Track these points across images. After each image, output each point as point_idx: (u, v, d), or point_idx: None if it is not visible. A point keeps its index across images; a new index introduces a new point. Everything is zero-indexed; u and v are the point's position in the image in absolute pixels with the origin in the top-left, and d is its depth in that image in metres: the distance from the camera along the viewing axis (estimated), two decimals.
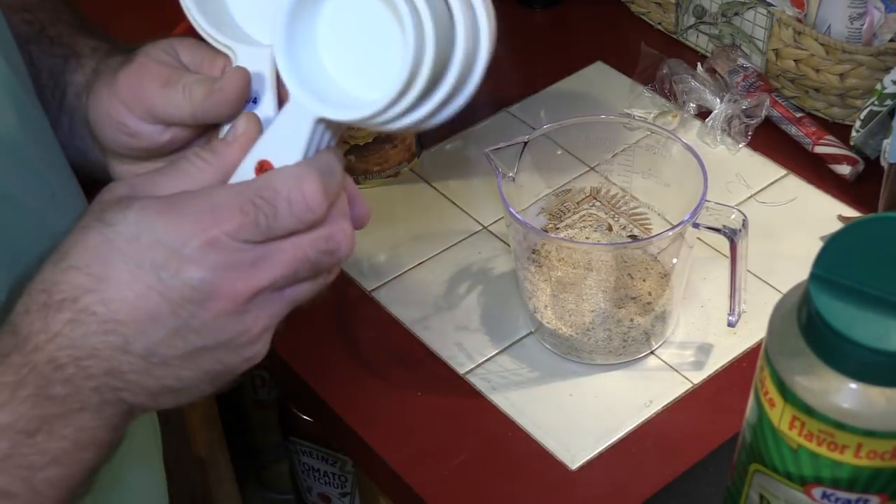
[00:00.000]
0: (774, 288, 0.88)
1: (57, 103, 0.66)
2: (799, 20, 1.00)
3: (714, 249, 0.91)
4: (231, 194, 0.52)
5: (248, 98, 0.59)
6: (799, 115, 1.01)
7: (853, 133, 0.95)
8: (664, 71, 1.05)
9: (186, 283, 0.51)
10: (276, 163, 0.54)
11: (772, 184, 0.98)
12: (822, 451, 0.58)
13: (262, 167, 0.54)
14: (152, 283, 0.51)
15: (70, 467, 0.51)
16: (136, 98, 0.61)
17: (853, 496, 0.59)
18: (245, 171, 0.55)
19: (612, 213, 0.89)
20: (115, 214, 0.51)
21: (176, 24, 0.96)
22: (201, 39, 0.62)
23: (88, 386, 0.51)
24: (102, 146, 0.64)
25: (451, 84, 0.53)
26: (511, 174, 0.82)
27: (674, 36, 1.14)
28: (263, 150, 0.55)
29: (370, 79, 0.54)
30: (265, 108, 0.59)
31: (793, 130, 1.01)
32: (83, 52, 0.67)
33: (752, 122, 1.01)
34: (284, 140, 0.54)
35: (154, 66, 0.61)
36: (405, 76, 0.50)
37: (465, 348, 0.87)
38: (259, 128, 0.56)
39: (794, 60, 1.02)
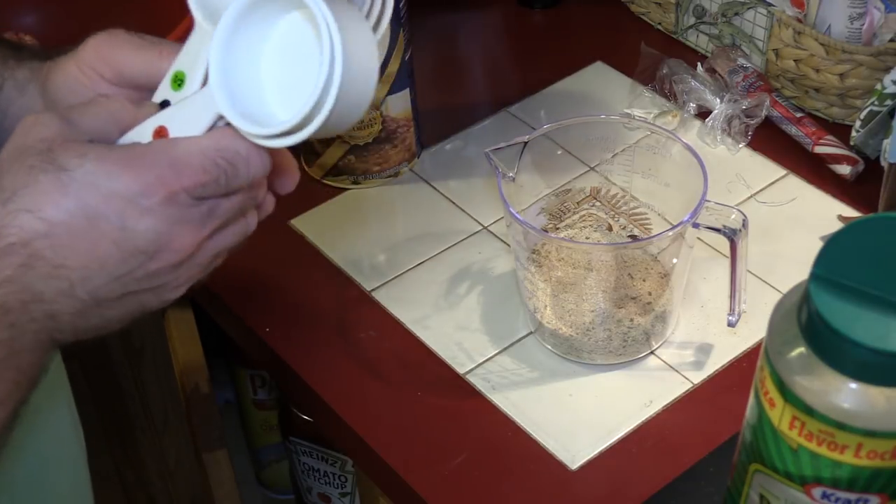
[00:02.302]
0: (774, 288, 0.88)
1: None
2: (799, 20, 1.00)
3: (714, 249, 0.91)
4: (194, 152, 0.54)
5: None
6: (799, 115, 1.01)
7: (853, 133, 0.95)
8: (664, 71, 1.05)
9: (142, 235, 0.53)
10: (173, 133, 0.56)
11: (772, 184, 0.98)
12: (822, 451, 0.58)
13: (160, 132, 0.56)
14: (107, 231, 0.52)
15: (9, 407, 0.52)
16: (107, 62, 0.62)
17: (853, 496, 0.59)
18: (144, 130, 0.56)
19: (612, 213, 0.89)
20: (70, 159, 0.52)
21: (176, 25, 0.96)
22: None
23: (31, 329, 0.52)
24: None
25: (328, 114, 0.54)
26: (511, 174, 0.82)
27: (674, 36, 1.14)
28: (167, 117, 0.56)
29: (285, 100, 0.56)
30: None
31: (793, 130, 1.01)
32: (23, 55, 0.68)
33: (752, 122, 1.01)
34: (189, 117, 0.56)
35: (124, 34, 0.62)
36: (308, 108, 0.52)
37: (465, 348, 0.87)
38: None
39: (794, 60, 1.02)
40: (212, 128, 0.56)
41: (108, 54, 0.62)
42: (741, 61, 1.04)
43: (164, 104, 0.58)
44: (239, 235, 0.59)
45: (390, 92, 0.96)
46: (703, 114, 1.03)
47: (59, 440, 0.71)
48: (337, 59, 0.52)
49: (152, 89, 0.61)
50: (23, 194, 0.51)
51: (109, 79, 0.62)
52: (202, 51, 0.58)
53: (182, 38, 0.69)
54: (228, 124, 0.56)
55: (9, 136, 0.64)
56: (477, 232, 0.96)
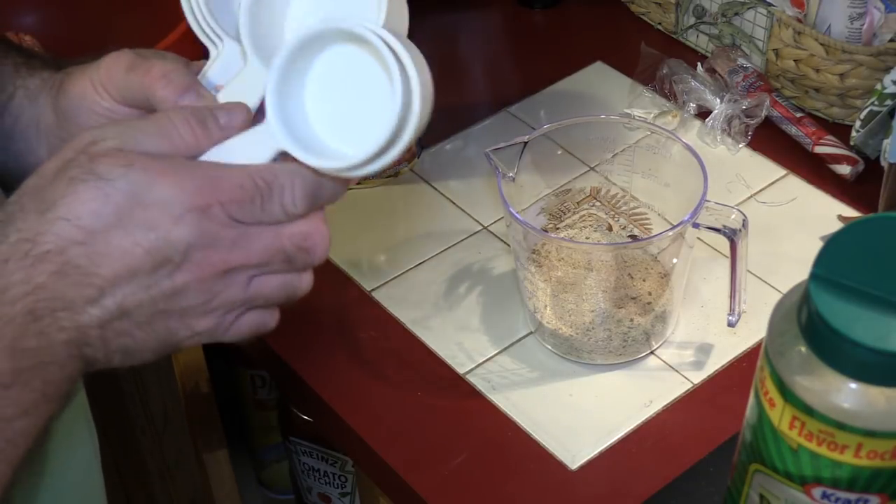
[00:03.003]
0: (774, 288, 0.88)
1: (1, 105, 0.67)
2: (799, 20, 1.00)
3: (714, 249, 0.91)
4: (233, 169, 0.54)
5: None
6: (799, 115, 1.01)
7: (853, 133, 0.95)
8: (664, 71, 1.05)
9: (172, 244, 0.52)
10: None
11: (772, 184, 0.98)
12: (822, 451, 0.58)
13: None
14: (140, 239, 0.52)
15: (38, 418, 0.51)
16: (109, 81, 0.62)
17: (853, 496, 0.59)
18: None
19: (612, 213, 0.89)
20: (113, 169, 0.52)
21: (176, 25, 0.96)
22: (195, 51, 0.63)
23: (60, 339, 0.51)
24: (68, 138, 0.64)
25: (406, 143, 0.54)
26: (511, 174, 0.82)
27: (674, 36, 1.14)
28: (226, 151, 0.56)
29: (347, 134, 0.56)
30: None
31: (793, 130, 1.01)
32: (35, 64, 0.68)
33: (752, 122, 1.01)
34: (247, 152, 0.55)
35: (127, 54, 0.62)
36: (384, 139, 0.52)
37: (465, 348, 0.87)
38: (246, 124, 0.57)
39: (794, 60, 1.02)
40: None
41: (113, 75, 0.62)
42: (741, 61, 1.04)
43: None
44: (283, 289, 0.57)
45: None
46: (703, 114, 1.03)
47: (74, 446, 0.71)
48: (415, 91, 0.52)
49: (144, 108, 0.61)
50: (61, 204, 0.51)
51: (113, 97, 0.62)
52: (251, 85, 0.57)
53: (181, 38, 0.69)
54: (286, 158, 0.55)
55: (19, 142, 0.66)
56: (477, 232, 0.96)
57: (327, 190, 0.56)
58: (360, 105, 0.55)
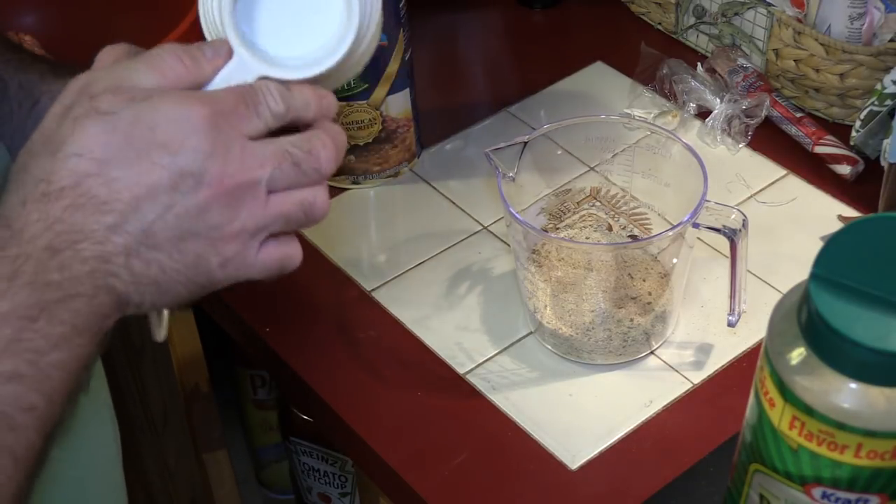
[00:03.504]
0: (774, 288, 0.88)
1: (25, 111, 0.69)
2: (799, 20, 1.00)
3: (714, 249, 0.91)
4: (220, 90, 0.56)
5: None
6: (799, 115, 1.01)
7: (853, 133, 0.95)
8: (664, 71, 1.06)
9: (188, 157, 0.53)
10: None
11: (772, 184, 0.98)
12: (822, 451, 0.58)
13: None
14: (155, 158, 0.53)
15: (69, 352, 0.52)
16: None
17: (853, 496, 0.59)
18: None
19: (612, 213, 0.89)
20: (115, 104, 0.53)
21: (176, 25, 0.96)
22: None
23: (83, 270, 0.52)
24: None
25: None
26: (511, 174, 0.82)
27: (674, 36, 1.14)
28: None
29: (307, 48, 0.60)
30: None
31: (793, 130, 1.01)
32: (61, 72, 0.70)
33: (752, 122, 1.01)
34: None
35: (123, 45, 0.62)
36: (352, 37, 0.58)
37: (465, 348, 0.87)
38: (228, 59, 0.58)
39: (794, 60, 1.02)
40: None
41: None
42: (741, 61, 1.04)
43: None
44: (303, 206, 0.58)
45: (390, 92, 0.96)
46: (703, 114, 1.03)
47: (95, 427, 0.71)
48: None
49: None
50: (70, 142, 0.52)
51: None
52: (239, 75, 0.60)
53: (181, 39, 0.70)
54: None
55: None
56: (477, 232, 0.96)
57: (297, 98, 0.58)
58: (307, 18, 0.59)
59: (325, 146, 0.58)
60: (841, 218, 0.94)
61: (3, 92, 0.70)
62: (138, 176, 0.53)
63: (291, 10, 0.60)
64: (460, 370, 0.85)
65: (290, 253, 0.59)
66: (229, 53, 0.58)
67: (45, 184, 0.52)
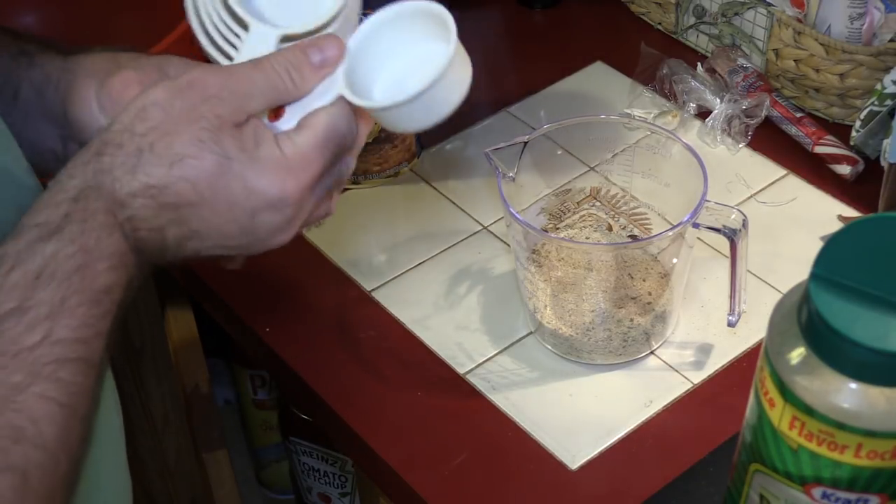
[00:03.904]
0: (774, 288, 0.88)
1: (8, 99, 0.70)
2: (799, 20, 1.00)
3: (714, 249, 0.91)
4: (311, 146, 0.62)
5: None
6: (799, 115, 1.01)
7: (853, 133, 0.95)
8: (664, 71, 1.05)
9: (263, 227, 0.62)
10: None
11: (772, 184, 0.98)
12: (822, 451, 0.58)
13: (277, 113, 0.64)
14: (238, 217, 0.61)
15: (122, 313, 0.60)
16: (113, 107, 0.66)
17: (853, 496, 0.59)
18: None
19: (612, 213, 0.89)
20: (233, 149, 0.60)
21: (175, 25, 0.96)
22: (194, 52, 0.67)
23: (146, 262, 0.61)
24: (78, 140, 0.69)
25: None
26: (511, 174, 0.82)
27: (674, 36, 1.14)
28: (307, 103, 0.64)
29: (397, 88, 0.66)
30: None
31: (793, 130, 1.01)
32: (31, 50, 0.71)
33: (752, 122, 1.01)
34: (321, 99, 0.64)
35: (132, 76, 0.67)
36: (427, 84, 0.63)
37: (465, 348, 0.87)
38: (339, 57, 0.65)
39: (794, 60, 1.02)
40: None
41: (120, 100, 0.66)
42: (741, 61, 1.04)
43: None
44: (325, 212, 0.67)
45: None
46: (703, 114, 1.03)
47: (101, 421, 0.72)
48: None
49: None
50: (189, 163, 0.59)
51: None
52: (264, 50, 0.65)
53: (181, 38, 0.70)
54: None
55: (31, 132, 0.70)
56: (477, 232, 0.96)
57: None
58: (415, 69, 0.65)
59: (349, 167, 0.67)
60: (841, 218, 0.94)
61: None
62: (220, 224, 0.61)
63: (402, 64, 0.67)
64: (460, 370, 0.85)
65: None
66: (337, 56, 0.64)
67: (158, 191, 0.59)
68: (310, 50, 0.63)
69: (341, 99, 0.64)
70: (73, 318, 0.55)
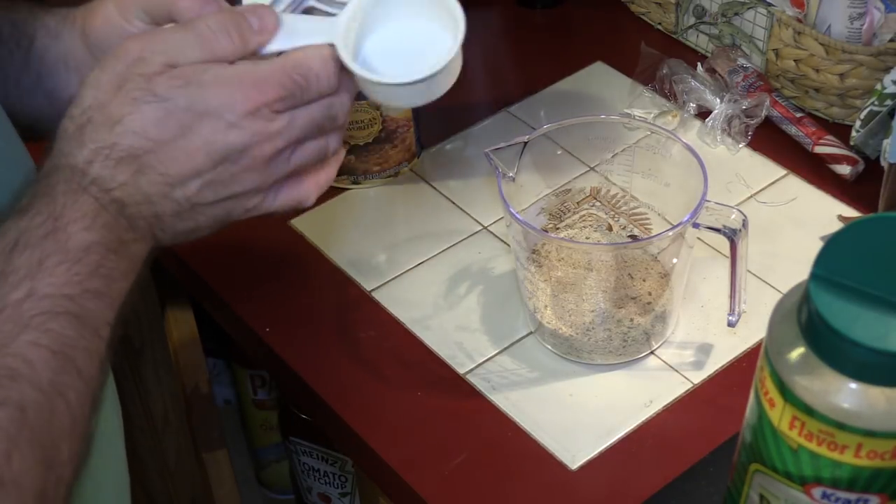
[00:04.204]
0: (774, 288, 0.88)
1: (23, 52, 0.73)
2: (799, 20, 1.00)
3: (714, 249, 0.91)
4: (273, 70, 0.62)
5: None
6: (799, 115, 1.01)
7: (853, 133, 0.95)
8: (664, 71, 1.05)
9: (228, 146, 0.62)
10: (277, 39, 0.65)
11: (772, 184, 0.98)
12: (822, 451, 0.58)
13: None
14: (200, 145, 0.61)
15: (126, 284, 0.62)
16: (133, 3, 0.69)
17: (853, 496, 0.59)
18: None
19: (612, 213, 0.89)
20: (171, 89, 0.61)
21: None
22: None
23: (141, 226, 0.63)
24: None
25: None
26: (511, 174, 0.82)
27: (674, 36, 1.14)
28: (292, 33, 0.65)
29: (393, 64, 0.66)
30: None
31: (793, 130, 1.01)
32: (50, 1, 0.74)
33: (752, 122, 1.01)
34: (311, 38, 0.65)
35: None
36: (430, 72, 0.65)
37: (465, 348, 0.87)
38: (276, 26, 0.65)
39: (794, 60, 1.02)
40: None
41: None
42: (741, 61, 1.04)
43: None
44: (317, 151, 0.66)
45: None
46: (703, 114, 1.03)
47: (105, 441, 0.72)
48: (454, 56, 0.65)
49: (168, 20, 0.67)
50: (129, 120, 0.60)
51: (143, 21, 0.68)
52: None
53: None
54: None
55: (48, 82, 0.73)
56: (477, 232, 0.96)
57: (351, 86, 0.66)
58: (412, 47, 0.67)
59: (343, 106, 0.66)
60: (841, 218, 0.94)
61: None
62: (186, 157, 0.61)
63: (404, 40, 0.68)
64: (460, 370, 0.85)
65: (303, 196, 0.67)
66: (275, 23, 0.64)
67: (108, 150, 0.60)
68: (248, 15, 0.64)
69: (330, 47, 0.64)
70: (53, 276, 0.58)
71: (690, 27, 1.12)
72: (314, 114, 0.64)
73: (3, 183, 0.63)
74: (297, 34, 0.65)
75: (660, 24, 1.15)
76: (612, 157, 0.88)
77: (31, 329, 0.56)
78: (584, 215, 0.90)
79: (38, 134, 0.69)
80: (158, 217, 0.63)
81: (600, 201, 0.90)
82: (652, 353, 0.85)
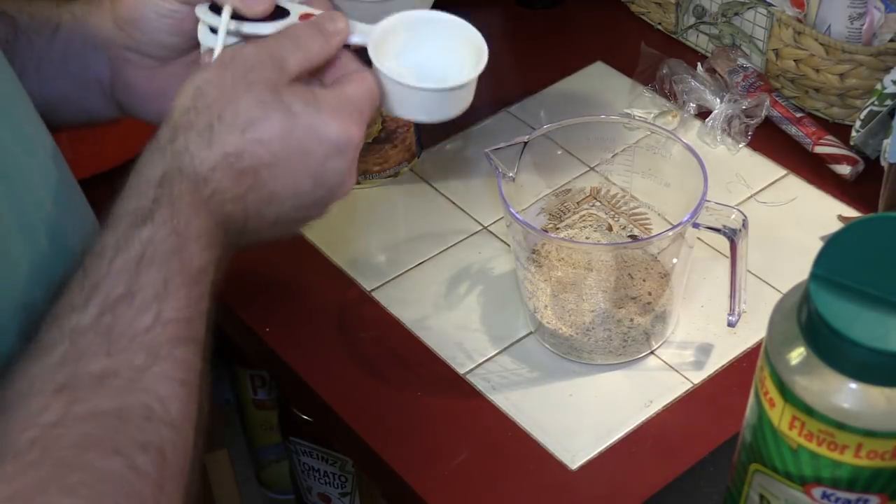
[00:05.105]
0: (774, 288, 0.88)
1: (44, 41, 0.73)
2: (799, 20, 1.00)
3: (714, 249, 0.91)
4: (361, 97, 0.66)
5: None
6: (799, 115, 1.01)
7: (853, 133, 0.95)
8: (664, 71, 1.06)
9: (335, 174, 0.65)
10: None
11: (772, 184, 0.98)
12: (822, 451, 0.58)
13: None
14: (311, 168, 0.63)
15: (218, 275, 0.63)
16: None
17: (853, 496, 0.59)
18: None
19: (612, 213, 0.89)
20: (296, 104, 0.63)
21: None
22: None
23: (234, 242, 0.63)
24: (133, 45, 0.73)
25: None
26: (511, 174, 0.82)
27: (674, 36, 1.14)
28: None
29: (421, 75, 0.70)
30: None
31: (793, 130, 1.01)
32: None
33: (752, 122, 1.01)
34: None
35: None
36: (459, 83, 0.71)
37: (465, 348, 0.87)
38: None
39: (794, 60, 1.02)
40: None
41: None
42: (741, 61, 1.04)
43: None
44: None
45: None
46: (703, 114, 1.03)
47: None
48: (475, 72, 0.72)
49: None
50: (258, 126, 0.61)
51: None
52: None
53: None
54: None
55: (74, 65, 0.74)
56: (477, 232, 0.96)
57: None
58: (436, 69, 0.71)
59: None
60: (841, 218, 0.94)
61: (13, 28, 0.74)
62: (294, 178, 0.63)
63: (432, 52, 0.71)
64: (460, 370, 0.85)
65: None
66: (346, 24, 0.67)
67: (235, 159, 0.61)
68: (322, 19, 0.67)
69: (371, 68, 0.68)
70: (177, 299, 0.57)
71: (690, 27, 1.12)
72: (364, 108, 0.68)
73: (29, 167, 0.62)
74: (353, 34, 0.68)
75: (660, 24, 1.15)
76: (612, 157, 0.88)
77: (161, 360, 0.56)
78: (584, 215, 0.90)
79: (55, 118, 0.70)
80: (244, 232, 0.64)
81: (600, 201, 0.90)
82: (652, 353, 0.85)
